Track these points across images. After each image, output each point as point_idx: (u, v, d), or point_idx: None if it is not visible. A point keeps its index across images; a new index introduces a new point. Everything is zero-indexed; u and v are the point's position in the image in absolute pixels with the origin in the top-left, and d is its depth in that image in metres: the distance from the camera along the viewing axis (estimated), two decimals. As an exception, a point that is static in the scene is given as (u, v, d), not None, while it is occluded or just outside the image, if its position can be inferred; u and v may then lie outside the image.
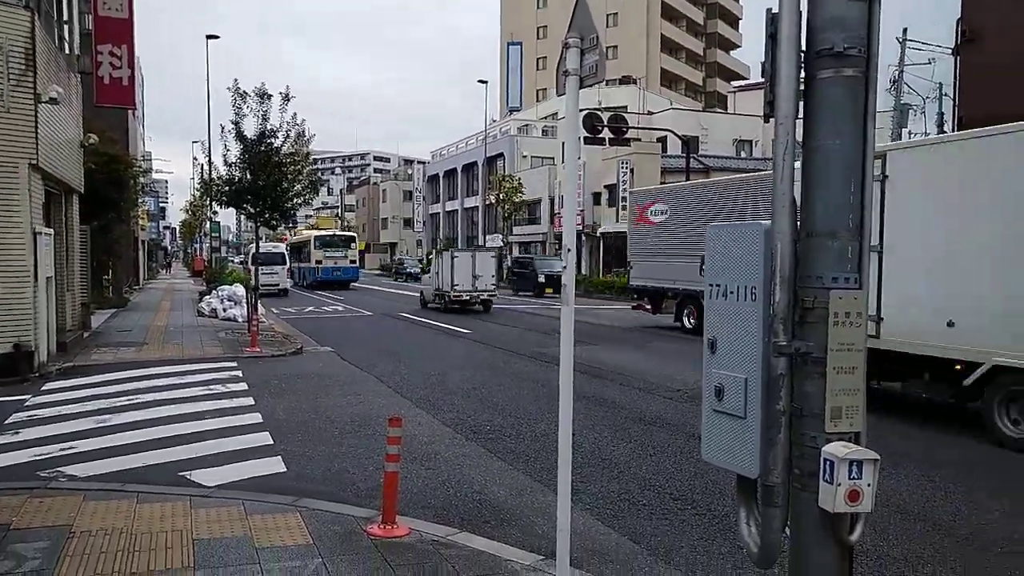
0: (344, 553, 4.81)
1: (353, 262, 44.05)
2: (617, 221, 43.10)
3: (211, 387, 11.04)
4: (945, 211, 8.85)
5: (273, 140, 18.32)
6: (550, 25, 73.26)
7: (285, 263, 38.68)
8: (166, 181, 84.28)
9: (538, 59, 75.80)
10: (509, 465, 7.30)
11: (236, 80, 18.63)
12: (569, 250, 4.35)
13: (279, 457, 7.35)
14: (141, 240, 46.29)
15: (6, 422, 8.89)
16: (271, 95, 18.27)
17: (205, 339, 16.58)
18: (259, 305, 19.25)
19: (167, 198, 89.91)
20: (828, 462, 2.57)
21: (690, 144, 34.83)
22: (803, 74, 2.82)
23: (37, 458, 7.33)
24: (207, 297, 23.85)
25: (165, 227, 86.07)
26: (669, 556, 5.12)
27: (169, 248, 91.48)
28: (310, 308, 28.04)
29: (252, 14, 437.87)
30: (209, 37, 37.84)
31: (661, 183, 42.09)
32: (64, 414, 9.30)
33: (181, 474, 6.73)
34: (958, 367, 8.63)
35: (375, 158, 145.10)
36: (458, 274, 26.15)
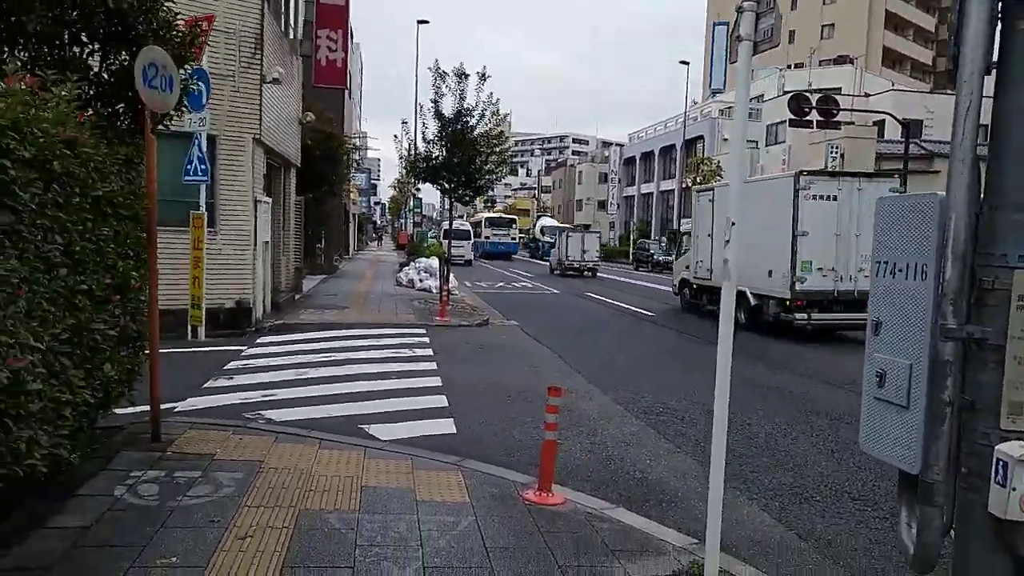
0: (497, 515, 4.91)
1: (513, 239, 54.95)
2: (822, 208, 40.48)
3: (399, 350, 11.68)
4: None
5: (469, 119, 18.92)
6: (759, 3, 69.59)
7: (470, 238, 45.19)
8: (378, 159, 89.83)
9: (745, 38, 72.45)
10: (676, 447, 7.11)
11: (436, 61, 19.44)
12: (733, 223, 4.16)
13: (452, 419, 7.64)
14: (352, 214, 49.81)
15: (225, 368, 9.93)
16: (468, 75, 18.87)
17: (400, 307, 17.57)
18: (452, 277, 20.09)
19: (379, 175, 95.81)
20: (1001, 462, 2.26)
21: (910, 128, 31.69)
22: (999, 26, 2.46)
23: (244, 401, 8.13)
24: (405, 268, 25.23)
25: (376, 202, 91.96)
26: (840, 556, 4.77)
27: (379, 222, 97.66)
28: (501, 283, 28.87)
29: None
30: (420, 22, 39.78)
31: (875, 170, 39.08)
32: (271, 365, 10.24)
33: (361, 426, 7.18)
34: None
35: (574, 140, 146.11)
36: (571, 249, 35.25)
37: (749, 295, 15.63)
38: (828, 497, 5.89)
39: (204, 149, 12.29)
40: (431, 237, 44.43)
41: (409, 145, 21.55)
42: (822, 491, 6.02)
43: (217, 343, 11.83)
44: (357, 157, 45.83)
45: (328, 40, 21.68)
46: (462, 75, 19.19)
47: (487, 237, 51.95)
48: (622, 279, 34.82)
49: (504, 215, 61.92)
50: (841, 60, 58.79)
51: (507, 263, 47.82)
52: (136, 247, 5.83)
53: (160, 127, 7.08)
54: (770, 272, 15.01)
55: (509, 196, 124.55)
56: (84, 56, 6.50)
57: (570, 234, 36.87)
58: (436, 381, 9.49)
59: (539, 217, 62.45)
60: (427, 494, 5.22)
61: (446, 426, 7.42)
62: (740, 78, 4.26)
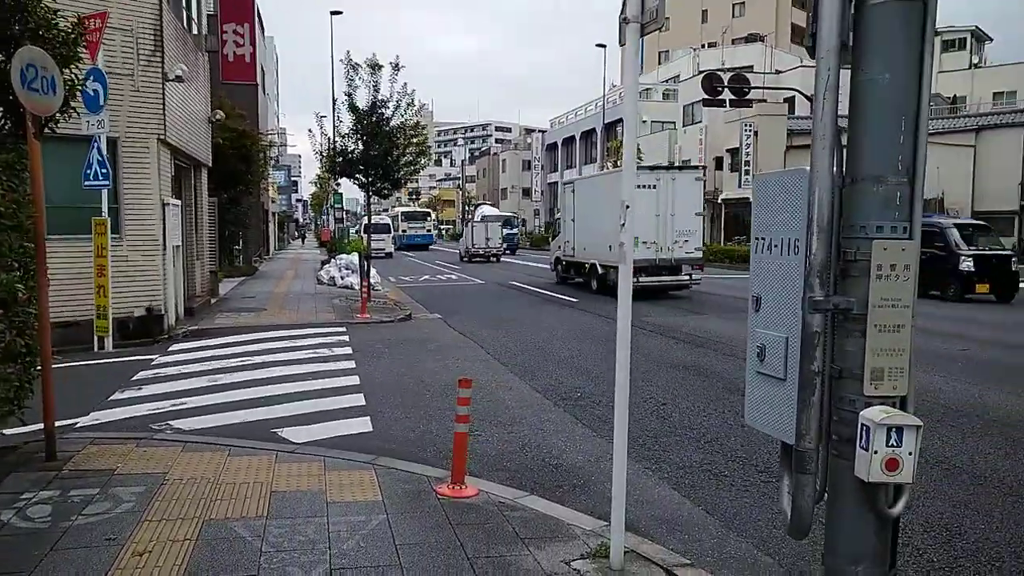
0: (409, 511, 4.89)
1: (428, 231, 60.24)
2: (739, 187, 41.59)
3: (318, 351, 11.50)
4: (588, 205, 21.14)
5: (384, 110, 18.66)
6: (671, -14, 70.82)
7: (390, 232, 48.79)
8: (299, 156, 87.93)
9: (660, 21, 73.52)
10: (593, 431, 7.21)
11: (348, 52, 19.18)
12: (628, 207, 4.21)
13: (368, 418, 7.56)
14: (272, 212, 48.73)
15: (133, 379, 9.59)
16: (382, 66, 18.57)
17: (320, 305, 17.29)
18: (374, 273, 19.86)
19: (299, 172, 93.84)
20: (864, 427, 2.37)
21: (818, 104, 32.72)
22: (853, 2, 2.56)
23: (152, 412, 7.87)
24: (327, 266, 24.84)
25: (297, 200, 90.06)
26: (744, 528, 4.92)
27: (301, 220, 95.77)
28: (426, 276, 28.71)
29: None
30: (333, 13, 38.91)
31: (787, 147, 40.33)
32: (183, 373, 9.93)
33: (274, 431, 7.05)
34: (587, 266, 21.13)
35: (496, 128, 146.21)
36: (476, 237, 39.84)
37: (598, 266, 20.43)
38: (735, 471, 6.06)
39: (104, 152, 11.80)
40: (353, 232, 44.14)
41: (324, 140, 21.08)
42: (730, 465, 6.20)
43: (126, 353, 11.42)
44: (275, 154, 44.84)
45: (235, 35, 21.13)
46: (375, 66, 18.87)
47: (404, 231, 56.23)
48: (543, 265, 35.00)
49: (419, 209, 68.52)
50: (752, 38, 60.31)
51: (431, 255, 49.20)
52: (22, 258, 5.57)
53: (52, 131, 6.76)
54: (610, 247, 18.26)
55: (434, 187, 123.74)
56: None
57: (475, 224, 41.37)
58: (354, 380, 9.37)
59: (476, 206, 60.67)
60: (338, 495, 5.16)
61: (362, 425, 7.34)
62: (628, 61, 4.32)
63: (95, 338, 11.81)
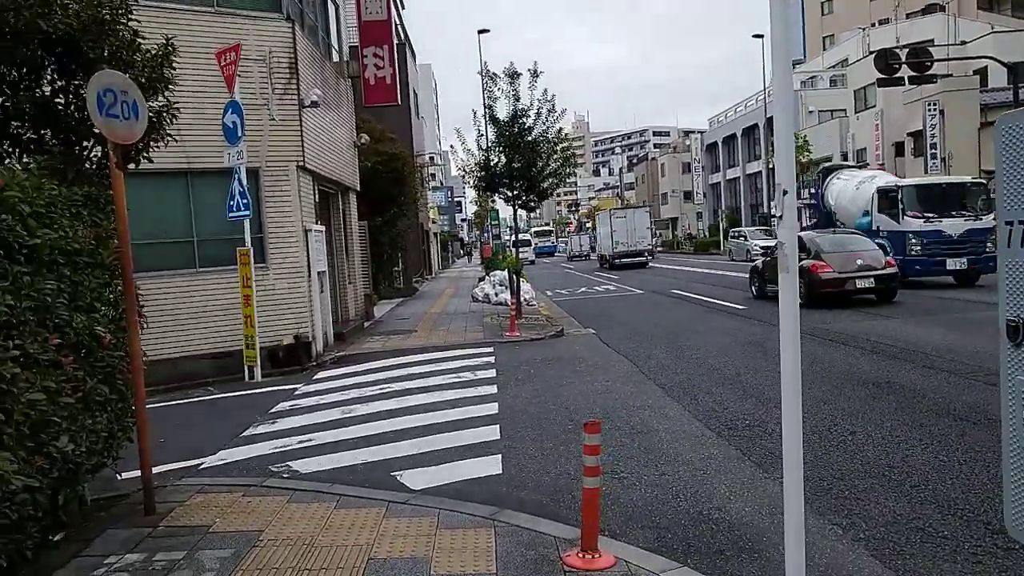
0: (524, 590, 3.93)
1: (552, 243, 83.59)
2: (926, 173, 37.52)
3: (460, 375, 10.83)
4: (602, 227, 46.08)
5: (525, 119, 17.96)
6: (835, -35, 66.17)
7: (531, 244, 66.21)
8: (462, 176, 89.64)
9: (822, 3, 68.95)
10: (764, 473, 5.92)
11: (485, 63, 18.70)
12: (786, 192, 3.06)
13: (499, 456, 6.67)
14: (433, 233, 49.68)
15: (271, 411, 9.32)
16: (520, 74, 17.93)
17: (470, 325, 16.77)
18: (527, 287, 19.14)
19: (463, 192, 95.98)
20: None
21: (1018, 71, 28.37)
22: None
23: (276, 450, 7.41)
24: (482, 283, 24.48)
25: (462, 219, 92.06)
26: (982, 625, 3.56)
27: (466, 239, 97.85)
28: (583, 289, 27.78)
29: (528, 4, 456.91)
30: (480, 32, 39.07)
31: (981, 123, 35.82)
32: (321, 404, 9.55)
33: (393, 473, 6.30)
34: (604, 256, 44.70)
35: (654, 133, 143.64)
36: (574, 244, 67.44)
37: (607, 256, 41.66)
38: (959, 531, 4.60)
39: (245, 183, 11.85)
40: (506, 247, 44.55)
41: (468, 155, 20.71)
42: (949, 522, 4.74)
43: (274, 383, 11.33)
44: (435, 174, 45.75)
45: (375, 58, 21.15)
46: (514, 75, 18.24)
47: (536, 244, 74.13)
48: (710, 271, 33.05)
49: (546, 228, 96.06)
50: (930, 9, 54.85)
51: (589, 264, 49.89)
52: (105, 298, 5.15)
53: (148, 159, 6.43)
54: (608, 246, 41.69)
55: (592, 197, 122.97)
56: (50, 94, 5.96)
57: (572, 237, 69.76)
58: (492, 408, 8.55)
59: (868, 172, 28.24)
60: (445, 564, 4.29)
61: (491, 465, 6.46)
62: None
63: (245, 368, 11.82)
